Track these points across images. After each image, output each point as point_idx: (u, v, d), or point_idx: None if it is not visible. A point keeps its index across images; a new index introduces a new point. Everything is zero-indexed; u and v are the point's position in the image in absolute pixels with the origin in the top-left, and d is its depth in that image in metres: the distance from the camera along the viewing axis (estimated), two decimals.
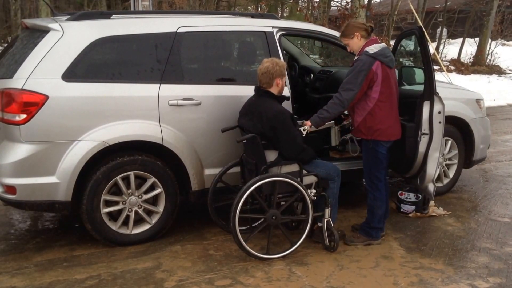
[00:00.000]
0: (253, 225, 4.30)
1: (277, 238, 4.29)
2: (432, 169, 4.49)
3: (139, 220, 4.29)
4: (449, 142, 5.47)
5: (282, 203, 4.03)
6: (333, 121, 4.39)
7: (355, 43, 4.13)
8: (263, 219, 4.07)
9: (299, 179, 4.03)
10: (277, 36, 4.65)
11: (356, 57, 4.09)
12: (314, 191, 4.10)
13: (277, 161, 3.97)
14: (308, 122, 4.06)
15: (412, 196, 5.05)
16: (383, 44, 4.08)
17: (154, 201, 4.31)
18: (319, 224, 4.20)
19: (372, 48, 3.99)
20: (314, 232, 4.28)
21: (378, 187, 4.21)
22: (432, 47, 11.90)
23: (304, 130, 4.03)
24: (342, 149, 4.99)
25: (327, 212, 4.11)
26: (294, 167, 4.05)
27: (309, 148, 4.06)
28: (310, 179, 4.11)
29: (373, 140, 4.09)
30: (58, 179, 3.93)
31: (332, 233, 4.12)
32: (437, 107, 4.36)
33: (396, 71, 4.31)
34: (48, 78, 3.88)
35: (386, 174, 4.31)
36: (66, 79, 3.93)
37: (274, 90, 4.06)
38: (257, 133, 3.92)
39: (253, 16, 4.97)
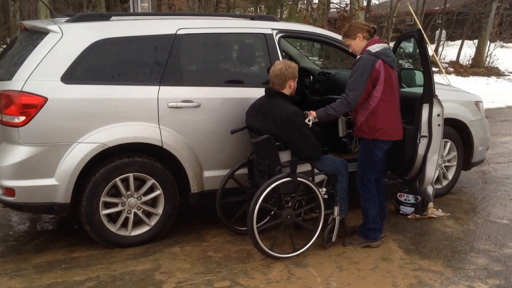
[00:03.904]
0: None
1: (278, 239, 4.29)
2: (431, 172, 4.50)
3: (138, 222, 4.29)
4: (448, 144, 5.48)
5: (290, 203, 4.09)
6: None
7: (357, 44, 4.12)
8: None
9: (311, 178, 4.10)
10: (276, 38, 4.65)
11: (358, 57, 4.09)
12: (324, 189, 4.17)
13: (293, 162, 3.98)
14: (313, 113, 4.07)
15: (411, 198, 5.05)
16: (385, 45, 4.08)
17: (153, 203, 4.31)
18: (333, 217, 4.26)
19: (374, 47, 3.99)
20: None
21: (369, 188, 4.20)
22: (431, 49, 11.91)
23: (309, 121, 4.05)
24: (348, 142, 4.96)
25: (336, 209, 4.19)
26: (307, 167, 4.10)
27: (318, 144, 4.10)
28: (320, 177, 4.20)
29: (373, 140, 4.08)
30: (57, 181, 3.93)
31: (333, 231, 4.23)
32: (436, 109, 4.37)
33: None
34: (47, 80, 3.88)
35: (380, 176, 4.32)
36: (65, 81, 3.93)
37: (286, 91, 4.09)
38: (269, 134, 3.94)
39: (252, 18, 4.97)
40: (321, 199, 4.08)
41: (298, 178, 3.98)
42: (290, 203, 4.08)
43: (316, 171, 4.16)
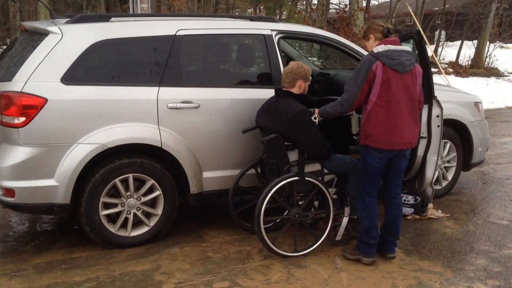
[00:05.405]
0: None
1: (277, 240, 4.29)
2: (430, 173, 4.49)
3: (137, 223, 4.29)
4: (448, 145, 5.49)
5: (300, 202, 4.12)
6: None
7: (370, 45, 3.95)
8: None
9: (320, 178, 4.12)
10: (275, 39, 4.65)
11: None
12: (334, 189, 4.20)
13: (300, 161, 3.99)
14: (317, 110, 4.08)
15: (410, 199, 5.05)
16: (396, 47, 3.81)
17: (152, 203, 4.31)
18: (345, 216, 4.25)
19: (378, 48, 3.80)
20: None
21: (364, 198, 3.99)
22: (430, 49, 11.90)
23: (315, 118, 4.05)
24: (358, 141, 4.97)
25: (346, 210, 4.20)
26: (316, 166, 4.12)
27: (328, 143, 4.10)
28: (330, 176, 4.22)
29: (365, 145, 3.90)
30: (57, 182, 3.93)
31: (348, 229, 4.27)
32: (435, 110, 4.37)
33: None
34: (47, 81, 3.89)
35: (393, 189, 4.04)
36: (65, 82, 3.93)
37: (295, 90, 4.11)
38: (277, 133, 3.97)
39: (252, 19, 4.97)
40: (329, 199, 4.09)
41: (306, 178, 3.99)
42: (301, 202, 4.10)
43: (326, 171, 4.17)
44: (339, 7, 20.70)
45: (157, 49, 4.25)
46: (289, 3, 21.12)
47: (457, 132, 5.49)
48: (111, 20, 4.32)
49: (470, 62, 20.64)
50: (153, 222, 4.31)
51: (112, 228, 4.18)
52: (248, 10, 22.00)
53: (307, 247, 4.15)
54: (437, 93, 4.45)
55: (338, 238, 4.27)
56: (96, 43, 4.06)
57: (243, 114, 4.40)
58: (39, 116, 3.83)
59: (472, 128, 5.50)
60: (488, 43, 20.93)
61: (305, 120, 3.98)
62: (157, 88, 4.19)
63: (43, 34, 4.06)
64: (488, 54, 20.91)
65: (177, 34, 4.33)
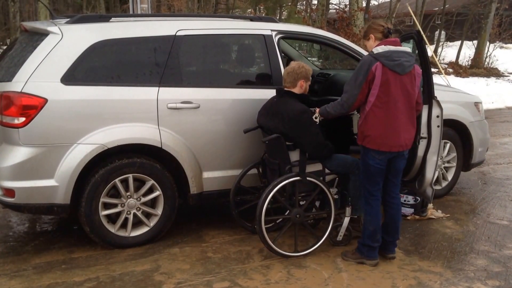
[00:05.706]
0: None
1: (277, 240, 4.29)
2: (430, 173, 4.49)
3: (137, 223, 4.29)
4: (448, 145, 5.49)
5: (302, 202, 4.12)
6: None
7: (370, 44, 3.93)
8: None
9: (321, 178, 4.13)
10: (275, 39, 4.66)
11: None
12: (335, 189, 4.21)
13: (302, 161, 3.99)
14: (318, 110, 4.08)
15: (410, 199, 5.06)
16: (396, 48, 3.79)
17: (152, 203, 4.31)
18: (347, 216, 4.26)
19: (378, 49, 3.78)
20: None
21: (369, 201, 3.95)
22: (430, 50, 11.91)
23: (316, 118, 4.05)
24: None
25: (348, 210, 4.20)
26: (318, 166, 4.13)
27: (329, 143, 4.10)
28: (331, 176, 4.24)
29: (363, 147, 3.89)
30: (57, 182, 3.93)
31: (349, 230, 4.28)
32: (435, 111, 4.37)
33: None
34: (47, 81, 3.89)
35: (393, 189, 4.02)
36: (65, 82, 3.93)
37: (296, 90, 4.13)
38: (278, 133, 3.98)
39: (252, 19, 4.97)
40: (331, 199, 4.10)
41: (308, 178, 4.00)
42: (302, 202, 4.10)
43: (327, 171, 4.18)
44: (339, 7, 20.71)
45: (157, 49, 4.25)
46: (289, 3, 21.09)
47: (457, 132, 5.49)
48: (111, 20, 4.33)
49: (470, 62, 20.64)
50: (153, 222, 4.31)
51: (112, 228, 4.18)
52: (248, 10, 22.00)
53: (308, 247, 4.15)
54: (437, 93, 4.44)
55: (339, 238, 4.28)
56: (96, 43, 4.06)
57: (243, 114, 4.40)
58: (39, 117, 3.83)
59: (472, 128, 5.51)
60: (488, 43, 20.93)
61: (306, 120, 3.98)
62: (157, 88, 4.19)
63: (43, 34, 4.06)
64: (488, 54, 20.92)
65: (177, 34, 4.33)
